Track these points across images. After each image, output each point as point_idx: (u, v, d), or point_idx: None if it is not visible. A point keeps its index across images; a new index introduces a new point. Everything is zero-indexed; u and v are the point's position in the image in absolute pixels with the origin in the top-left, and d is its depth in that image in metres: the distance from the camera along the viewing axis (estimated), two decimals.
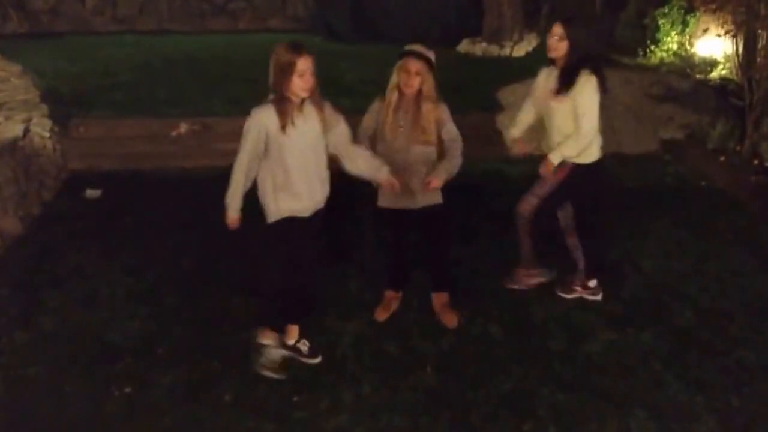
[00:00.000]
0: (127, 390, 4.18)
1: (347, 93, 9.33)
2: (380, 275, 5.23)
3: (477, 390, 4.21)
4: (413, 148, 4.46)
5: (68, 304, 4.98)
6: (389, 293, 4.99)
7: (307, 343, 4.48)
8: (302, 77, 3.90)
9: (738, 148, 8.06)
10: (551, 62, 4.72)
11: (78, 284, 5.22)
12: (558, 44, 4.59)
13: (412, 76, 4.32)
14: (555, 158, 4.67)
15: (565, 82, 4.56)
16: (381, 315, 4.87)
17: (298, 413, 4.02)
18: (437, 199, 4.60)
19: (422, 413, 4.04)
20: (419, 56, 4.34)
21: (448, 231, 5.00)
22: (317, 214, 4.26)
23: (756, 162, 7.72)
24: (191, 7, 14.59)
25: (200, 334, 4.67)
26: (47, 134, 7.15)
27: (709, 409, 4.09)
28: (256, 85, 9.66)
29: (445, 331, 4.74)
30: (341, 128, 4.25)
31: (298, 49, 3.93)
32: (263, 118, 3.98)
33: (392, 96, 4.44)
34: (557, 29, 4.59)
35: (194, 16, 14.57)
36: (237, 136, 8.15)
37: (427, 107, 4.39)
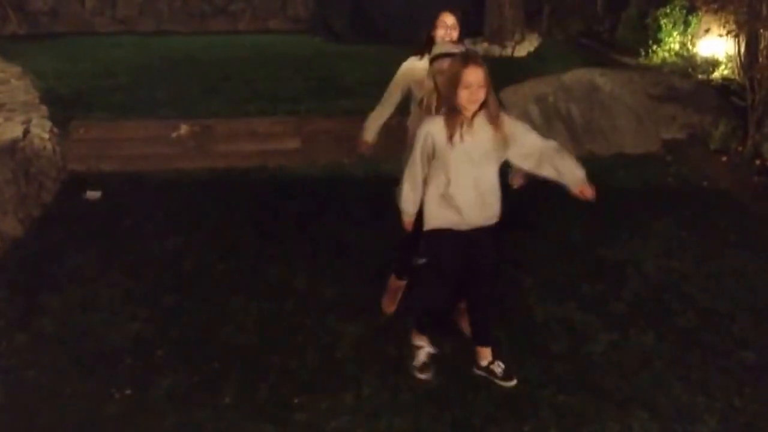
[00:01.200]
0: (127, 392, 4.15)
1: (347, 93, 9.35)
2: (381, 276, 5.22)
3: (478, 391, 4.19)
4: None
5: (68, 306, 4.95)
6: (395, 282, 4.91)
7: (501, 365, 4.27)
8: (468, 89, 3.79)
9: (740, 148, 8.03)
10: None
11: (78, 286, 5.20)
12: None
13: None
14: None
15: None
16: (389, 306, 4.85)
17: (298, 415, 4.00)
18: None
19: (423, 414, 4.01)
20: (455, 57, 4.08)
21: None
22: (480, 231, 4.08)
23: (758, 162, 7.70)
24: (191, 8, 14.59)
25: (200, 336, 4.65)
26: (47, 136, 7.14)
27: (710, 409, 4.07)
28: (256, 86, 9.73)
29: (446, 332, 4.69)
30: (527, 139, 4.09)
31: (466, 60, 3.85)
32: (432, 127, 3.93)
33: (432, 102, 4.19)
34: None
35: (194, 16, 14.57)
36: (237, 137, 8.25)
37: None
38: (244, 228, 6.11)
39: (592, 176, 6.79)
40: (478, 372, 4.31)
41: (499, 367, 4.28)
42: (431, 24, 4.78)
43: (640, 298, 5.14)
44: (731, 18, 8.15)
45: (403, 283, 4.93)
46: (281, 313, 4.89)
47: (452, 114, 3.88)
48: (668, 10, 10.41)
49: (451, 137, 3.88)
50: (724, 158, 7.97)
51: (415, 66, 4.80)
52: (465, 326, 4.64)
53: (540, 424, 3.97)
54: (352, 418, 3.98)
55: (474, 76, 3.78)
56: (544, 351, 4.57)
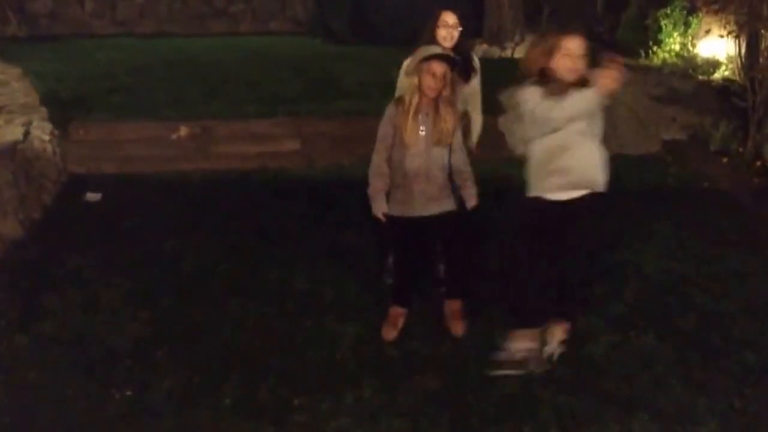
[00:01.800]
0: (127, 393, 4.15)
1: (346, 95, 9.34)
2: (380, 278, 5.23)
3: (478, 392, 4.18)
4: (433, 152, 4.41)
5: (68, 308, 4.95)
6: (396, 310, 4.77)
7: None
8: (569, 56, 3.87)
9: (741, 149, 8.03)
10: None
11: (78, 288, 5.20)
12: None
13: (437, 79, 4.27)
14: None
15: None
16: (389, 334, 4.67)
17: (297, 416, 3.99)
18: (452, 205, 4.54)
19: (422, 416, 4.00)
20: (445, 59, 4.32)
21: (463, 238, 4.80)
22: (583, 200, 4.08)
23: (759, 163, 7.70)
24: (191, 10, 14.61)
25: (200, 337, 4.64)
26: (47, 137, 7.13)
27: (711, 411, 4.06)
28: (255, 88, 9.72)
29: (446, 333, 4.70)
30: None
31: (564, 30, 3.95)
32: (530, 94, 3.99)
33: (413, 99, 4.35)
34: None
35: (194, 18, 14.59)
36: (236, 139, 8.24)
37: (447, 110, 4.39)
38: (244, 229, 6.11)
39: None
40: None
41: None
42: (431, 23, 4.76)
43: (640, 300, 5.14)
44: (732, 19, 8.17)
45: (405, 311, 4.80)
46: (281, 314, 4.89)
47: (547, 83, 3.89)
48: (668, 11, 10.40)
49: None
50: (725, 159, 7.97)
51: None
52: (453, 327, 4.71)
53: (540, 425, 3.96)
54: (351, 419, 3.97)
55: (573, 44, 3.83)
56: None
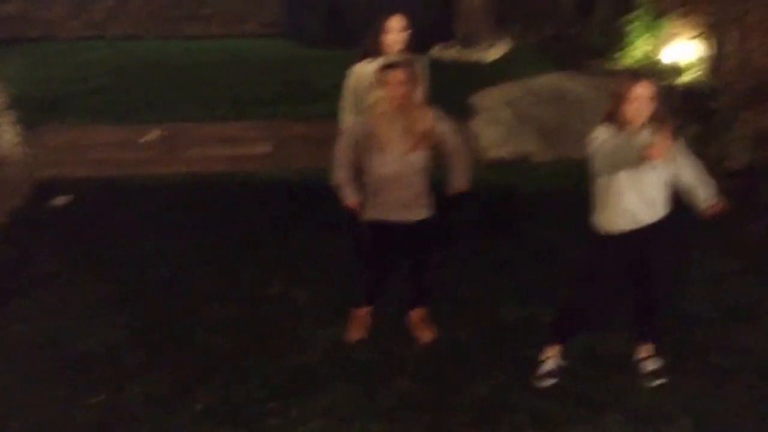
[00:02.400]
0: (101, 398, 4.15)
1: (321, 97, 9.32)
2: (353, 280, 5.25)
3: (453, 395, 4.22)
4: (409, 157, 4.35)
5: (40, 313, 4.93)
6: (362, 309, 4.79)
7: (658, 362, 4.43)
8: (637, 102, 3.91)
9: (708, 151, 8.14)
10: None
11: (49, 292, 5.17)
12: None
13: (398, 86, 4.25)
14: None
15: None
16: (357, 334, 4.71)
17: (272, 420, 4.01)
18: (427, 214, 4.52)
19: (397, 419, 4.04)
20: (400, 66, 4.31)
21: (434, 247, 4.82)
22: (649, 230, 4.12)
23: (725, 165, 7.80)
24: (164, 13, 14.48)
25: (174, 342, 4.64)
26: (17, 141, 7.06)
27: (685, 412, 4.12)
28: (229, 91, 9.70)
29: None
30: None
31: (636, 75, 4.21)
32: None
33: (381, 108, 4.32)
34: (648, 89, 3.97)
35: (166, 21, 14.46)
36: (210, 142, 8.20)
37: (419, 112, 4.38)
38: (218, 233, 6.10)
39: (563, 180, 6.91)
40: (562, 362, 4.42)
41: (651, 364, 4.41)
42: (377, 30, 4.84)
43: (610, 302, 5.18)
44: (699, 22, 8.27)
45: (371, 309, 4.80)
46: (256, 318, 4.89)
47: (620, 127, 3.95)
48: (637, 14, 10.52)
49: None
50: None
51: (364, 71, 4.87)
52: (421, 337, 4.73)
53: (515, 428, 4.01)
54: (326, 422, 4.00)
55: (645, 91, 3.89)
56: (519, 355, 4.59)
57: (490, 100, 8.63)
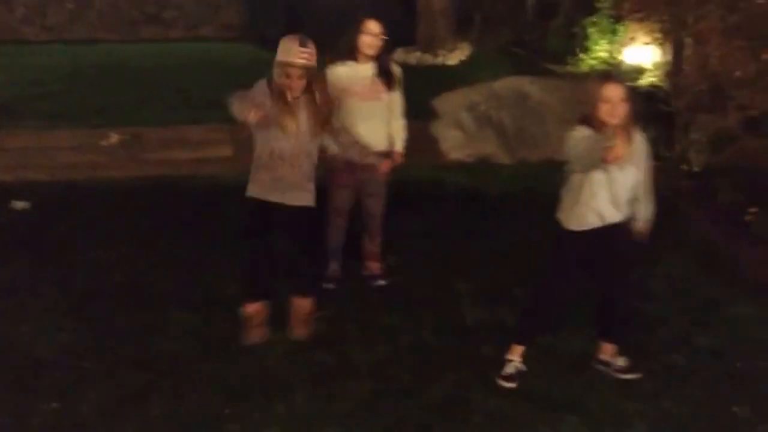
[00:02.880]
0: (54, 405, 4.05)
1: None
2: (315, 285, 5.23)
3: (411, 398, 4.19)
4: (304, 138, 4.37)
5: None
6: (252, 307, 4.61)
7: (622, 360, 4.46)
8: (609, 104, 3.96)
9: (667, 153, 8.23)
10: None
11: (3, 297, 5.07)
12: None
13: (296, 79, 4.27)
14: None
15: None
16: (256, 336, 4.58)
17: (229, 425, 3.95)
18: (309, 200, 4.50)
19: (356, 423, 4.00)
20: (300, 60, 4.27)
21: (311, 233, 4.73)
22: (611, 229, 4.18)
23: (685, 167, 7.90)
24: (122, 15, 14.36)
25: (128, 347, 4.56)
26: None
27: (640, 413, 4.13)
28: (188, 94, 9.62)
29: (380, 339, 4.70)
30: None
31: (605, 77, 4.41)
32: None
33: (288, 92, 4.30)
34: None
35: (125, 24, 14.34)
36: (169, 145, 8.14)
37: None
38: (177, 237, 6.02)
39: (524, 182, 6.95)
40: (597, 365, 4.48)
41: (624, 361, 4.46)
42: (355, 29, 4.91)
43: (571, 302, 5.21)
44: (656, 27, 8.38)
45: (263, 305, 4.65)
46: (212, 323, 4.83)
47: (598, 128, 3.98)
48: (595, 19, 10.63)
49: None
50: (653, 163, 8.14)
51: (339, 72, 4.98)
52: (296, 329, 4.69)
53: (472, 430, 4.00)
54: (284, 427, 3.95)
55: (615, 92, 3.96)
56: (476, 356, 4.60)
57: (451, 103, 8.66)
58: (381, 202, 5.26)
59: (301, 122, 4.33)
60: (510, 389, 4.30)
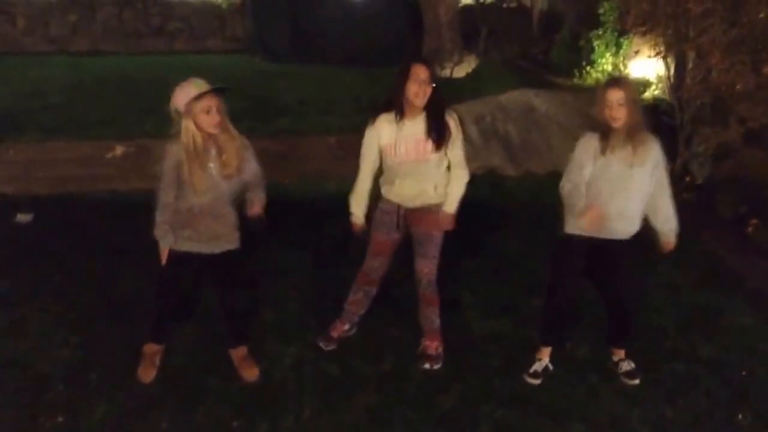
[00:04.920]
0: (59, 420, 4.03)
1: (286, 113, 9.33)
2: (320, 298, 5.21)
3: (418, 409, 4.19)
4: (221, 187, 4.16)
5: None
6: (151, 347, 4.49)
7: (630, 364, 4.58)
8: (610, 108, 4.13)
9: (670, 166, 8.24)
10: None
11: (6, 312, 5.04)
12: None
13: (212, 114, 4.03)
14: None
15: None
16: (148, 374, 4.38)
17: None
18: (236, 244, 4.34)
19: None
20: (214, 92, 4.08)
21: (246, 281, 4.68)
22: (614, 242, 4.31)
23: (687, 179, 7.93)
24: (126, 28, 14.42)
25: (134, 361, 4.52)
26: None
27: (644, 421, 4.16)
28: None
29: (386, 351, 4.69)
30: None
31: (609, 82, 4.31)
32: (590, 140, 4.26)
33: (196, 140, 4.02)
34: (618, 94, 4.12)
35: (129, 36, 14.40)
36: None
37: (227, 140, 4.13)
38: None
39: (530, 194, 6.95)
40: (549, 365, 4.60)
41: (629, 365, 4.58)
42: (401, 76, 4.20)
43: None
44: (659, 40, 8.39)
45: (162, 347, 4.54)
46: (219, 336, 4.80)
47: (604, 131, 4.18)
48: (600, 33, 10.67)
49: (603, 150, 4.17)
50: None
51: (384, 130, 4.37)
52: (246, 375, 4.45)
53: None
54: None
55: (614, 96, 4.08)
56: (483, 367, 4.61)
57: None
58: (430, 264, 4.58)
59: (214, 173, 4.11)
60: (535, 385, 4.46)
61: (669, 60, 8.53)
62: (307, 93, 9.88)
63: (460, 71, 11.70)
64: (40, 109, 9.17)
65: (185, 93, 4.03)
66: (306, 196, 7.29)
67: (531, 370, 4.53)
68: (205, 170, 4.06)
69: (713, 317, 5.28)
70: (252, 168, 4.34)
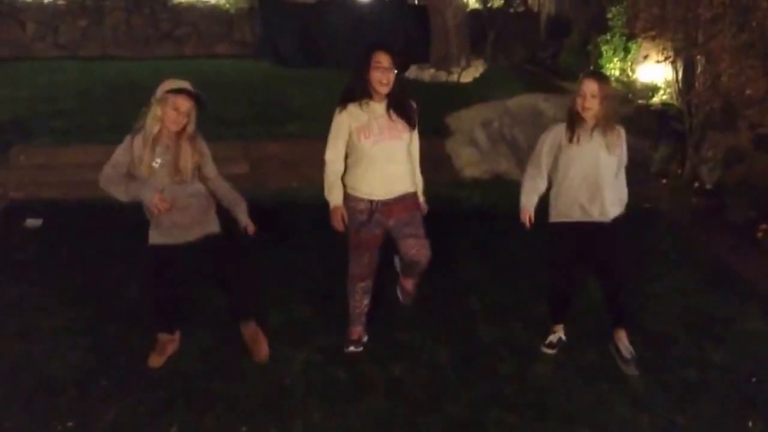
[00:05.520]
0: (69, 424, 4.04)
1: (294, 117, 9.34)
2: (329, 302, 5.22)
3: (427, 415, 4.18)
4: (175, 186, 4.26)
5: (6, 337, 4.82)
6: (163, 336, 4.66)
7: (626, 345, 4.69)
8: (582, 98, 4.36)
9: (679, 171, 8.24)
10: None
11: (16, 316, 5.07)
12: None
13: (181, 114, 4.20)
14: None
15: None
16: (156, 361, 4.54)
17: None
18: (213, 228, 4.50)
19: None
20: (190, 95, 4.25)
21: (234, 258, 4.69)
22: (594, 225, 4.54)
23: (696, 185, 7.92)
24: (136, 33, 14.47)
25: (144, 365, 4.55)
26: None
27: (653, 427, 4.14)
28: (202, 111, 9.61)
29: (395, 356, 4.70)
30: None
31: (585, 74, 4.50)
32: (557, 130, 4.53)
33: (153, 129, 4.20)
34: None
35: (139, 41, 14.45)
36: None
37: (187, 147, 4.26)
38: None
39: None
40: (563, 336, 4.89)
41: (628, 352, 4.69)
42: (362, 64, 4.27)
43: (583, 318, 5.20)
44: (668, 45, 8.38)
45: (174, 336, 4.71)
46: (227, 341, 4.82)
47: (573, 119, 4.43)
48: (608, 37, 10.65)
49: (570, 139, 4.42)
50: (664, 181, 8.17)
51: (354, 112, 4.36)
52: (256, 353, 4.63)
53: None
54: None
55: (589, 88, 4.30)
56: (492, 372, 4.60)
57: (465, 120, 8.68)
58: (424, 242, 4.57)
59: (157, 170, 4.21)
60: (552, 355, 4.76)
61: (678, 65, 8.52)
62: (316, 97, 9.87)
63: (468, 76, 11.70)
64: (51, 115, 9.20)
65: (167, 85, 4.24)
66: (314, 201, 7.24)
67: (546, 341, 4.83)
68: (150, 162, 4.17)
69: (723, 323, 5.25)
70: (219, 187, 4.53)
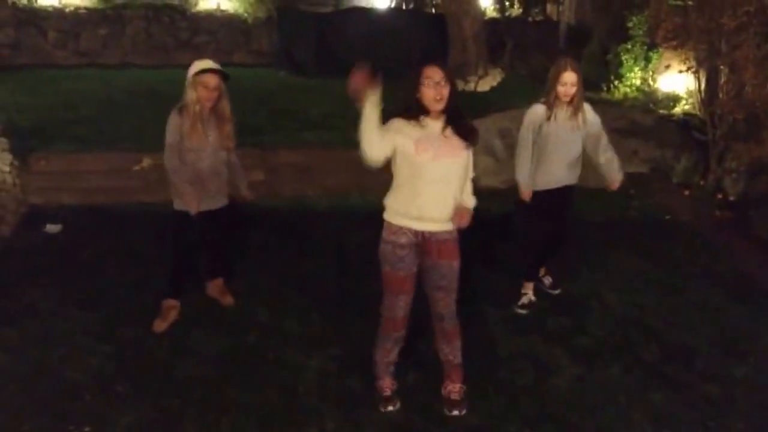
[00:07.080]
0: (86, 429, 4.03)
1: (311, 126, 9.35)
2: (343, 309, 5.18)
3: (443, 425, 4.14)
4: (219, 153, 5.01)
5: (25, 342, 4.82)
6: (169, 302, 5.16)
7: (550, 279, 5.73)
8: (565, 86, 5.04)
9: (702, 182, 8.15)
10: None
11: (35, 321, 5.07)
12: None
13: (211, 90, 4.85)
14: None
15: None
16: (160, 326, 5.01)
17: None
18: (227, 200, 5.17)
19: None
20: (216, 72, 4.89)
21: (235, 226, 5.66)
22: (565, 189, 5.32)
23: (720, 196, 7.81)
24: (155, 41, 14.59)
25: (161, 371, 4.54)
26: (7, 168, 7.02)
27: None
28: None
29: (409, 366, 4.63)
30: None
31: (565, 65, 5.08)
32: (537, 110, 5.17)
33: (196, 108, 4.84)
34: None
35: (158, 50, 14.56)
36: None
37: (224, 116, 5.01)
38: None
39: None
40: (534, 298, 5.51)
41: (548, 280, 5.78)
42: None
43: (603, 332, 5.15)
44: (691, 55, 8.32)
45: (178, 303, 5.19)
46: (242, 347, 4.81)
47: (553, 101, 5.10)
48: (629, 47, 10.60)
49: (549, 117, 5.11)
50: (687, 192, 8.08)
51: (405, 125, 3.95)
52: (224, 301, 5.39)
53: None
54: None
55: (570, 78, 4.99)
56: (510, 385, 4.54)
57: (482, 129, 8.60)
58: (453, 297, 4.20)
59: (212, 140, 4.95)
60: (525, 315, 5.34)
61: (701, 74, 8.45)
62: (332, 106, 9.88)
63: (485, 84, 11.68)
64: (71, 121, 9.26)
65: (194, 67, 4.87)
66: (330, 209, 7.29)
67: (519, 303, 5.44)
68: (205, 137, 4.89)
69: (748, 337, 5.17)
70: (234, 159, 5.23)
